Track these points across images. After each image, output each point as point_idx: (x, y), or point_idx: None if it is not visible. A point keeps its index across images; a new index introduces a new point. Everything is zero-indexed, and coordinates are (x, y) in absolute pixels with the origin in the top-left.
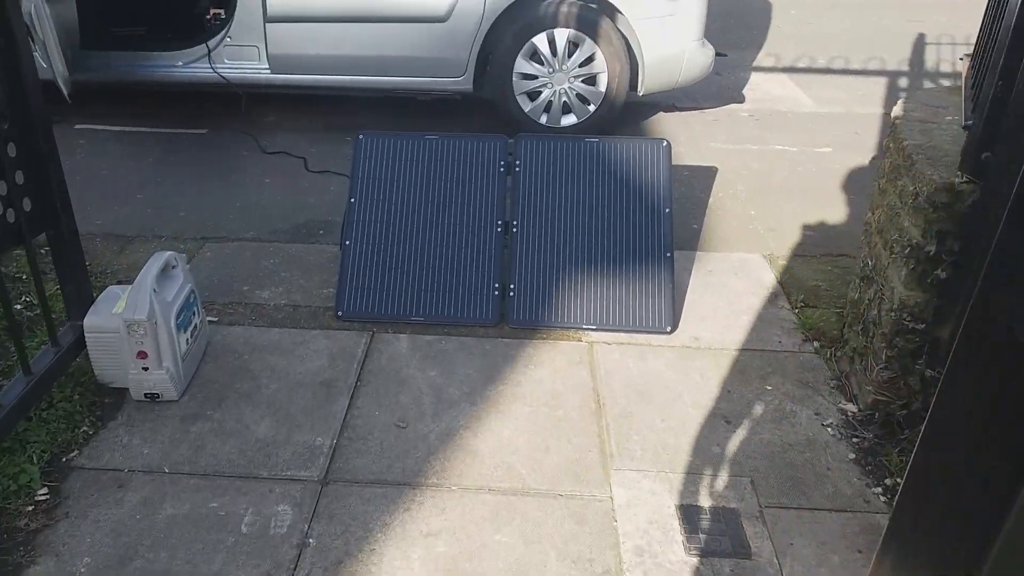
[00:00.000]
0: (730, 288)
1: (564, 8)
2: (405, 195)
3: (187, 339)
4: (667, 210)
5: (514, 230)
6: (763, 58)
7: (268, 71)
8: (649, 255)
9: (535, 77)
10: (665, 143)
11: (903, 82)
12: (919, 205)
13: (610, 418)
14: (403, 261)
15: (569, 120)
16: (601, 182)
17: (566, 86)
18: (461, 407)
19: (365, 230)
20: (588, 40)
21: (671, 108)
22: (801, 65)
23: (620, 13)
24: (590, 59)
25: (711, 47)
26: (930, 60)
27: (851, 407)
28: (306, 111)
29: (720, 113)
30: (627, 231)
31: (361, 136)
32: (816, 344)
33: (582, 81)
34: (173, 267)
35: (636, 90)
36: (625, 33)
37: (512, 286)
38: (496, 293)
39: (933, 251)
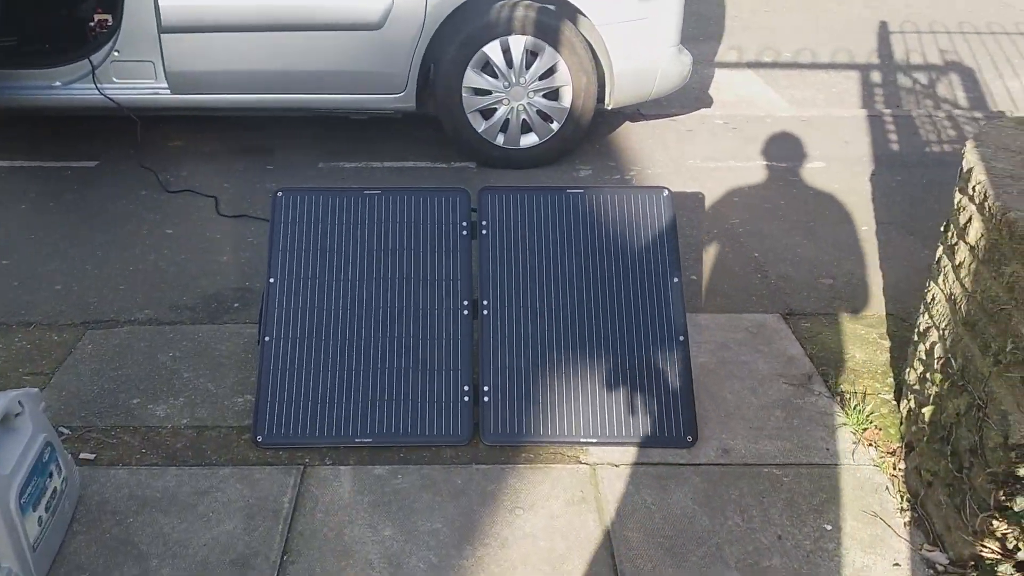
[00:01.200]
0: (752, 369)
1: (520, 12)
2: (342, 271)
3: (40, 518)
4: (675, 279)
5: (484, 312)
6: (725, 52)
7: (167, 91)
8: (657, 341)
9: (488, 92)
10: (666, 193)
11: (876, 76)
12: None
13: None
14: (342, 362)
15: (529, 140)
16: (590, 245)
17: (525, 102)
18: None
19: (290, 321)
20: (549, 48)
21: (637, 116)
22: (767, 60)
23: (584, 16)
24: (551, 70)
25: (688, 54)
26: (898, 51)
27: (939, 556)
28: (217, 133)
29: (692, 121)
30: (627, 309)
31: (280, 193)
32: (873, 452)
33: (543, 96)
34: (17, 414)
35: (603, 103)
36: (591, 40)
37: (486, 388)
38: (466, 399)
39: None
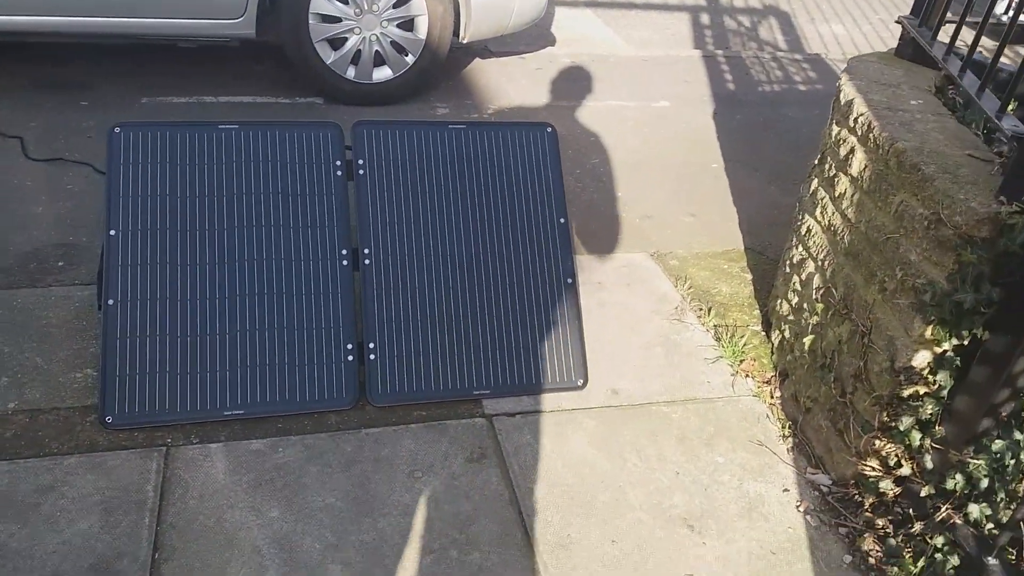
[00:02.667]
0: (629, 308)
1: None
2: (196, 219)
3: None
4: (562, 220)
5: (366, 262)
6: None
7: None
8: (547, 284)
9: (338, 20)
10: (549, 129)
11: (705, 18)
12: (943, 238)
13: (546, 553)
14: (202, 324)
15: (383, 74)
16: (474, 185)
17: (378, 32)
18: (329, 572)
19: (137, 280)
20: None
21: (486, 53)
22: (602, 0)
23: None
24: None
25: None
26: None
27: (822, 478)
28: (16, 62)
29: (541, 60)
30: (515, 253)
31: (118, 129)
32: (751, 383)
33: (397, 26)
34: None
35: (458, 37)
36: None
37: (371, 345)
38: (351, 358)
39: (969, 302)
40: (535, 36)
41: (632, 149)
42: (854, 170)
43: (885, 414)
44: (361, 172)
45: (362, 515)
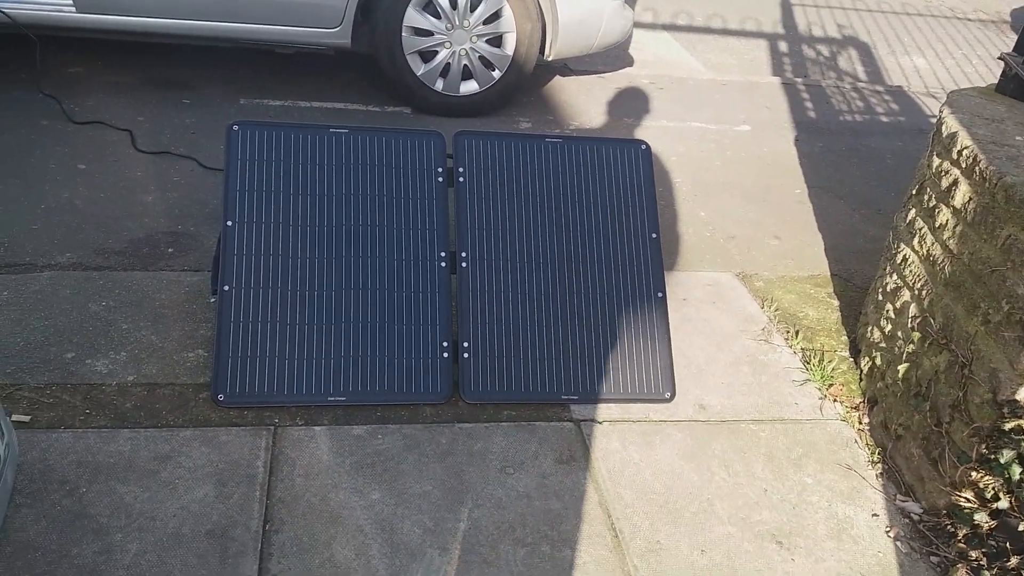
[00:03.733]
0: (715, 325)
1: None
2: (308, 215)
3: None
4: (654, 235)
5: (463, 265)
6: (640, 13)
7: (72, 8)
8: (638, 296)
9: (430, 34)
10: (644, 146)
11: (783, 46)
12: None
13: (636, 556)
14: (311, 314)
15: (469, 87)
16: (569, 197)
17: (467, 46)
18: (428, 557)
19: (252, 269)
20: None
21: (566, 71)
22: (681, 23)
23: None
24: (496, 15)
25: (631, 9)
26: (801, 23)
27: (913, 506)
28: (124, 61)
29: (620, 79)
30: (607, 264)
31: (236, 127)
32: (839, 407)
33: (486, 41)
34: None
35: (543, 53)
36: None
37: (466, 344)
38: (446, 355)
39: None
40: (614, 57)
41: (715, 170)
42: (957, 202)
43: (984, 446)
44: (461, 180)
45: (457, 504)
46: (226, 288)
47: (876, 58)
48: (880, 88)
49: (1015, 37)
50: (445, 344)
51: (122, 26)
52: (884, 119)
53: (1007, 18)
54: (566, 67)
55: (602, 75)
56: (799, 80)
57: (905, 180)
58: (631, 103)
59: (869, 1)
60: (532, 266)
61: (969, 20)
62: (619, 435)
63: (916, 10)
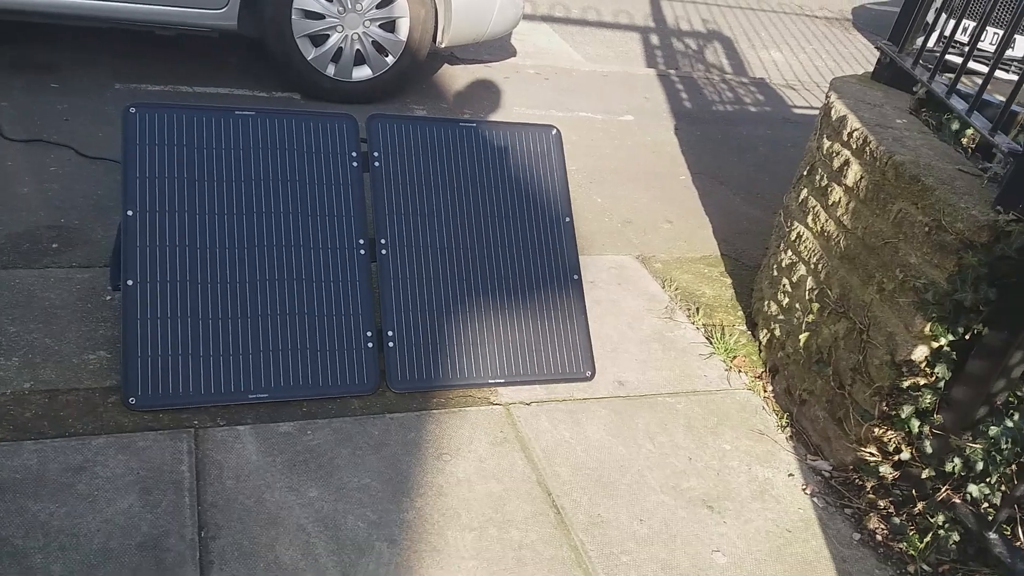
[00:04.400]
0: (623, 306)
1: None
2: (216, 201)
3: None
4: (567, 219)
5: (383, 252)
6: None
7: None
8: (554, 279)
9: (322, 17)
10: (555, 131)
11: (655, 39)
12: (944, 243)
13: (581, 531)
14: (224, 307)
15: (362, 73)
16: (485, 181)
17: (360, 31)
18: (377, 551)
19: (157, 261)
20: None
21: (454, 60)
22: (558, 15)
23: None
24: (389, 0)
25: None
26: (669, 17)
27: (823, 464)
28: None
29: (506, 69)
30: (525, 248)
31: (133, 109)
32: (744, 377)
33: (379, 26)
34: None
35: (435, 41)
36: None
37: (390, 332)
38: (370, 345)
39: (968, 301)
40: (498, 47)
41: (605, 158)
42: (849, 180)
43: (885, 404)
44: (376, 164)
45: (399, 494)
46: (129, 283)
47: (739, 51)
48: (745, 80)
49: (857, 34)
50: (369, 334)
51: None
52: (752, 109)
53: (849, 16)
54: (454, 56)
55: (489, 64)
56: (672, 72)
57: (777, 165)
58: (520, 92)
59: None
60: (451, 251)
61: (816, 17)
62: (547, 415)
63: (770, 7)
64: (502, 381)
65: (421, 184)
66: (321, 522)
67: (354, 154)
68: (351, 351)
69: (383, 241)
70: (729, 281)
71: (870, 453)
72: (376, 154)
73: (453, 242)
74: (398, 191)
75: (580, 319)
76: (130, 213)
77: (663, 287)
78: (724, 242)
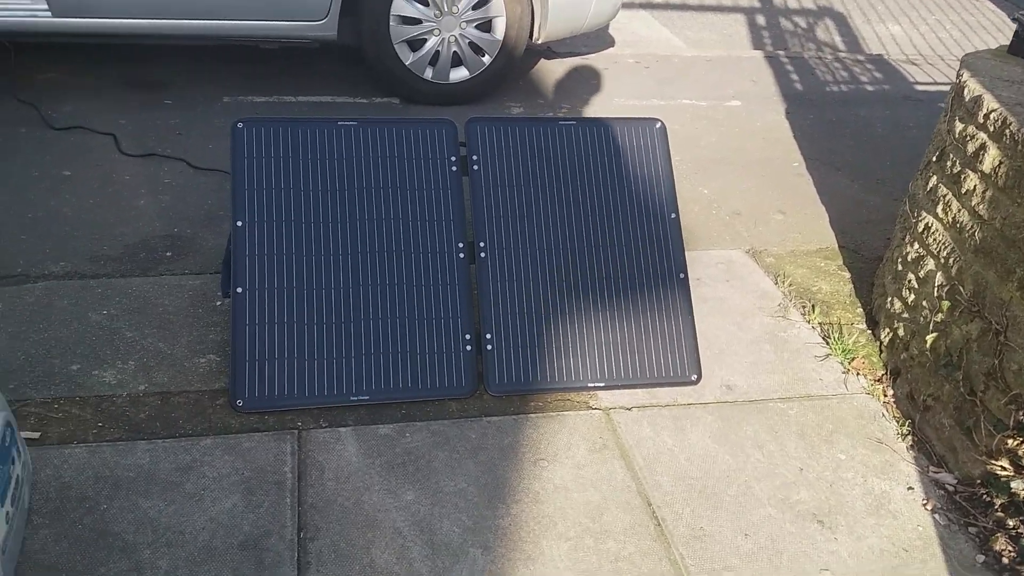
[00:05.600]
0: (731, 304)
1: None
2: (320, 211)
3: (7, 513)
4: (673, 215)
5: (482, 255)
6: None
7: (48, 14)
8: (659, 278)
9: (418, 22)
10: (659, 124)
11: (761, 19)
12: None
13: (681, 543)
14: (327, 312)
15: (459, 74)
16: (586, 180)
17: (457, 33)
18: (471, 557)
19: (265, 269)
20: None
21: (551, 55)
22: (657, 0)
23: None
24: (485, 0)
25: None
26: None
27: (947, 477)
28: (100, 63)
29: (604, 60)
30: (629, 247)
31: (241, 124)
32: (863, 380)
33: (475, 27)
34: None
35: (532, 37)
36: None
37: (488, 336)
38: (469, 348)
39: None
40: (596, 38)
41: (711, 146)
42: (986, 166)
43: (1022, 413)
44: (476, 168)
45: (495, 500)
46: (239, 290)
47: (853, 27)
48: (861, 57)
49: (987, 1)
50: (467, 337)
51: (101, 28)
52: (869, 88)
53: None
54: (550, 50)
55: (586, 57)
56: (781, 53)
57: (898, 148)
58: (619, 83)
59: None
60: (552, 252)
61: None
62: (649, 421)
63: None
64: (602, 384)
65: (521, 185)
66: (417, 526)
67: (453, 159)
68: (450, 354)
69: (482, 244)
70: (847, 275)
71: (1001, 467)
72: (475, 157)
73: (553, 243)
74: (497, 193)
75: (686, 320)
76: (240, 224)
77: (775, 283)
78: (842, 233)
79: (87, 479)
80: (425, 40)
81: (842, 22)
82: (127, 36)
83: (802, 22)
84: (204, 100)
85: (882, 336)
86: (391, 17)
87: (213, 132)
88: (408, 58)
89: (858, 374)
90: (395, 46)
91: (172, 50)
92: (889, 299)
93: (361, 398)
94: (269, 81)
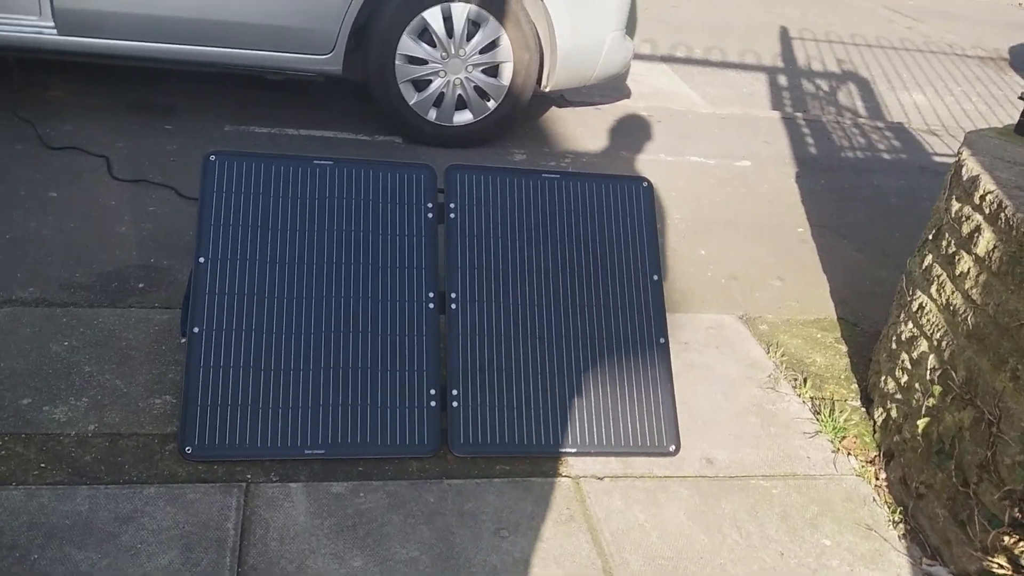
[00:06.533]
0: (719, 372)
1: None
2: (287, 252)
3: None
4: (655, 277)
5: (452, 306)
6: (639, 45)
7: (54, 31)
8: (639, 342)
9: (424, 62)
10: (645, 184)
11: (782, 80)
12: None
13: None
14: (288, 359)
15: (463, 117)
16: (567, 236)
17: (463, 76)
18: None
19: (224, 309)
20: (492, 20)
21: (562, 102)
22: (679, 55)
23: None
24: (493, 44)
25: (631, 41)
26: (800, 56)
27: (941, 571)
28: (106, 84)
29: (617, 111)
30: (607, 308)
31: (213, 157)
32: (853, 461)
33: (482, 71)
34: None
35: (540, 84)
36: (534, 16)
37: (455, 392)
38: (433, 404)
39: None
40: (611, 88)
41: (715, 206)
42: (980, 250)
43: (1017, 510)
44: (452, 216)
45: (448, 572)
46: (196, 330)
47: (876, 93)
48: (880, 124)
49: (1015, 75)
50: (432, 392)
51: (106, 49)
52: (886, 156)
53: (1006, 55)
54: (563, 98)
55: (599, 107)
56: (799, 115)
57: (910, 220)
58: (628, 136)
59: (868, 36)
60: (526, 308)
61: (968, 56)
62: (621, 493)
63: (915, 45)
64: (574, 451)
65: (498, 237)
66: None
67: (429, 205)
68: (413, 409)
69: (453, 295)
70: (844, 349)
71: (998, 564)
72: (452, 205)
73: (529, 298)
74: (473, 243)
75: (665, 387)
76: (201, 260)
77: (767, 352)
78: (842, 304)
79: (21, 525)
80: (431, 81)
81: (865, 87)
82: (132, 58)
83: (824, 85)
84: (205, 128)
85: (876, 416)
86: (397, 56)
87: None
88: (412, 98)
89: (849, 454)
90: (400, 85)
91: (179, 75)
92: (883, 377)
93: (316, 452)
94: (273, 112)
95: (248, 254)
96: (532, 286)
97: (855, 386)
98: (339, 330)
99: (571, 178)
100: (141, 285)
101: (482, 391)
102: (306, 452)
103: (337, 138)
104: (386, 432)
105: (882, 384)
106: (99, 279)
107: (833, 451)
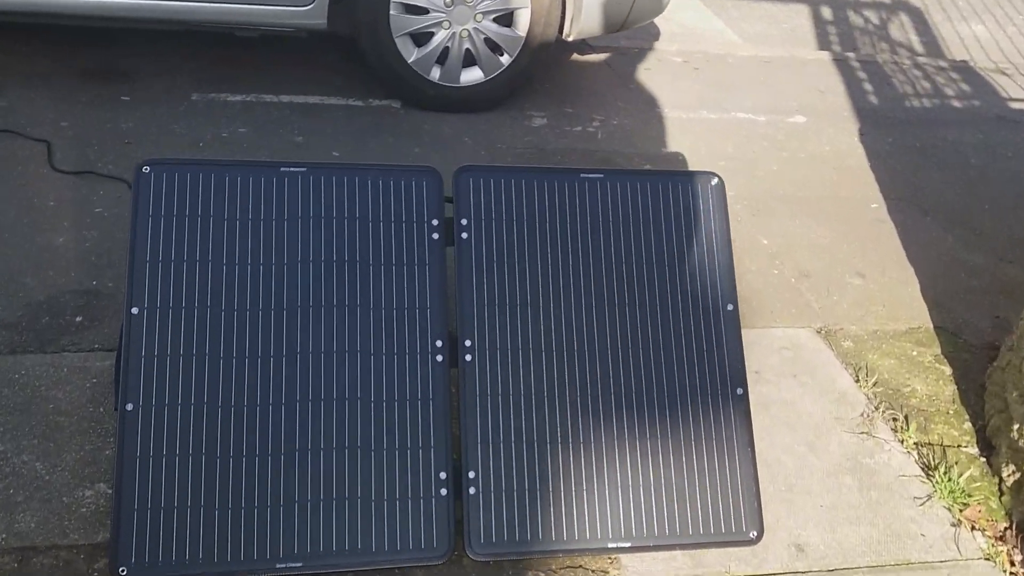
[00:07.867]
0: (801, 412)
1: None
2: (246, 296)
3: None
4: (730, 307)
5: (467, 357)
6: None
7: None
8: (709, 395)
9: (425, 11)
10: (715, 181)
11: (826, 11)
12: None
13: None
14: (250, 443)
15: (472, 76)
16: (614, 258)
17: (471, 26)
18: None
19: (166, 379)
20: None
21: (586, 49)
22: None
23: None
24: None
25: None
26: None
27: None
28: (51, 47)
29: (646, 57)
30: (668, 352)
31: (147, 168)
32: (981, 540)
33: (493, 19)
34: None
35: (561, 33)
36: None
37: (472, 474)
38: (443, 492)
39: None
40: (638, 27)
41: (771, 177)
42: None
43: None
44: (464, 235)
45: None
46: (129, 407)
47: (931, 26)
48: (943, 64)
49: None
50: (443, 476)
51: (50, 7)
52: (956, 104)
53: None
54: (584, 43)
55: (625, 52)
56: (851, 55)
57: (998, 186)
58: (663, 89)
59: None
60: (562, 357)
61: None
62: None
63: None
64: (627, 545)
65: (524, 261)
66: None
67: (435, 222)
68: (417, 500)
69: (467, 343)
70: (948, 372)
71: None
72: (464, 221)
73: (565, 343)
74: (492, 271)
75: (744, 454)
76: (135, 311)
77: (856, 380)
78: (937, 307)
79: None
80: (432, 34)
81: (919, 18)
82: (85, 17)
83: (874, 17)
84: (169, 97)
85: (1003, 471)
86: (392, 5)
87: (170, 142)
88: (411, 55)
89: (973, 527)
90: (396, 40)
91: (138, 35)
92: (1014, 424)
93: (292, 566)
94: (249, 76)
95: (195, 300)
96: (569, 326)
97: (968, 425)
98: (318, 399)
99: (616, 177)
100: (79, 318)
101: (507, 471)
102: (278, 566)
103: (324, 104)
104: (382, 534)
105: (1011, 432)
106: (26, 312)
107: (953, 523)
